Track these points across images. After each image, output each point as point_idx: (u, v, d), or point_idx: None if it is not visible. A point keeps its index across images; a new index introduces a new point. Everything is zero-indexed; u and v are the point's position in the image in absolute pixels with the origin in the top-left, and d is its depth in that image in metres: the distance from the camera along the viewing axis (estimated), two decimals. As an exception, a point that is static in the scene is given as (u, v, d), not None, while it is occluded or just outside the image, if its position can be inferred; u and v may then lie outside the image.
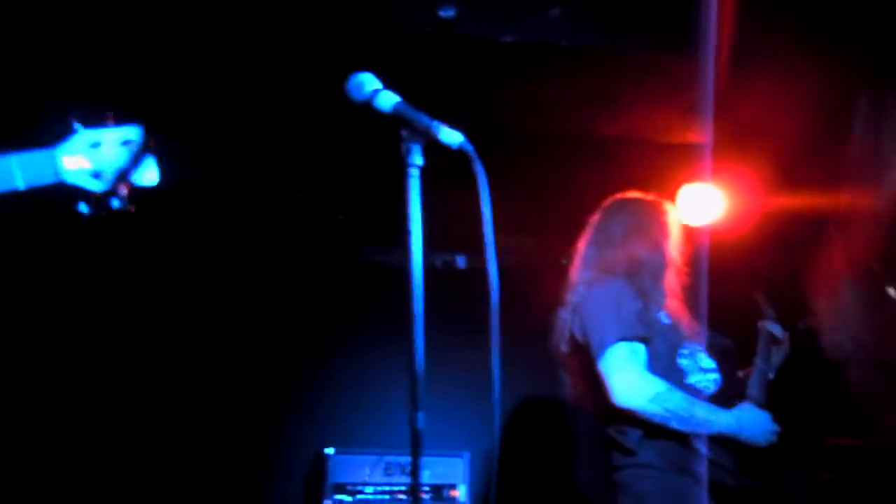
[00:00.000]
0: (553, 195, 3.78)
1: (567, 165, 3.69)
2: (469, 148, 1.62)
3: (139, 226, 3.69)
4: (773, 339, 2.78)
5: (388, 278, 4.10)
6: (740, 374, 2.74)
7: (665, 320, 2.59)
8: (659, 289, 2.61)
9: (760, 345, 2.75)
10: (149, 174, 1.65)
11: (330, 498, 3.50)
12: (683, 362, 2.55)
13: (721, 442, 2.45)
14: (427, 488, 3.67)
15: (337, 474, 3.55)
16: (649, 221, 2.70)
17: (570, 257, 3.56)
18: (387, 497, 3.61)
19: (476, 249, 3.88)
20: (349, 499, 3.54)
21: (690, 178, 3.52)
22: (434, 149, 1.64)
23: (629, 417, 2.45)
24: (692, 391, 2.51)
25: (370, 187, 3.86)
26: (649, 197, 2.78)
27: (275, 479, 3.80)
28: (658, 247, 2.66)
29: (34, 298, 3.53)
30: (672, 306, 2.62)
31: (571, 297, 2.64)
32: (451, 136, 1.63)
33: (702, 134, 3.03)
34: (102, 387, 3.59)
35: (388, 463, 3.64)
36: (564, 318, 2.64)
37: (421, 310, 1.58)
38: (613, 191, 2.85)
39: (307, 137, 3.60)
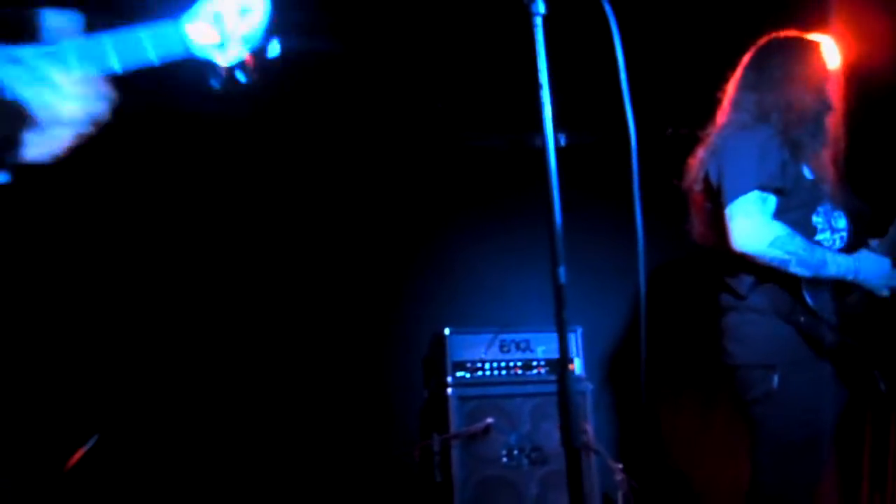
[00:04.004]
0: (657, 58, 3.59)
1: (671, 22, 3.48)
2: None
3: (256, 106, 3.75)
4: None
5: (491, 162, 4.10)
6: (872, 242, 2.63)
7: (808, 175, 2.51)
8: (815, 138, 2.50)
9: None
10: (271, 45, 1.61)
11: (451, 375, 3.63)
12: (817, 220, 2.51)
13: (826, 298, 2.43)
14: (543, 362, 3.75)
15: (455, 353, 3.66)
16: (811, 63, 2.55)
17: (675, 127, 3.45)
18: (504, 372, 3.71)
19: (574, 126, 3.79)
20: (468, 375, 3.66)
21: (811, 27, 3.26)
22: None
23: (747, 263, 2.44)
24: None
25: (466, 75, 3.79)
26: (810, 36, 2.61)
27: (394, 360, 3.94)
28: (820, 92, 2.53)
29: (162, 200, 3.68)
30: (823, 159, 2.52)
31: (714, 139, 2.56)
32: None
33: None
34: (234, 274, 3.71)
35: (502, 340, 3.73)
36: (702, 159, 2.57)
37: (555, 165, 1.55)
38: (725, 49, 2.69)
39: (408, 29, 3.53)
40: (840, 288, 2.45)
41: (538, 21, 1.55)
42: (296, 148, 3.84)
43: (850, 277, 2.45)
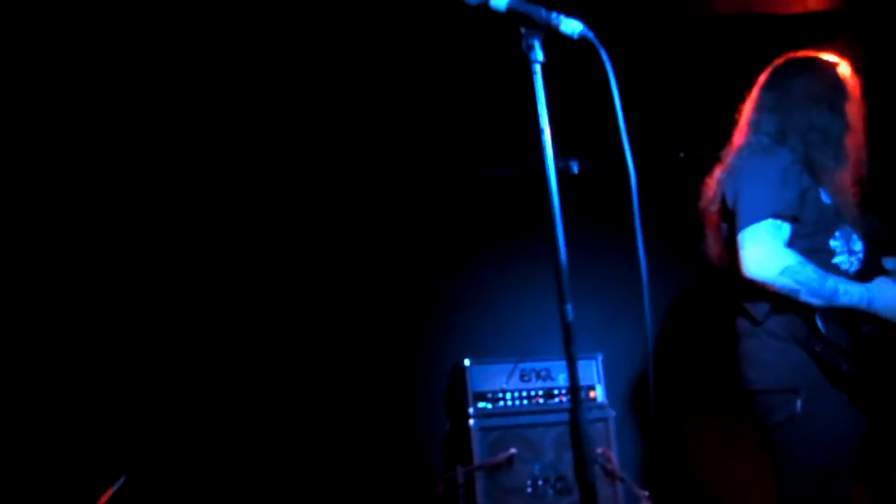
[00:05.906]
0: (670, 83, 3.61)
1: (683, 51, 3.51)
2: (591, 35, 1.60)
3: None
4: None
5: (507, 192, 4.12)
6: (885, 261, 2.62)
7: (826, 199, 2.49)
8: (836, 160, 2.48)
9: None
10: None
11: (473, 405, 3.63)
12: (834, 243, 2.49)
13: (840, 327, 2.41)
14: (564, 390, 3.73)
15: (476, 383, 3.66)
16: (830, 84, 2.54)
17: (689, 150, 3.47)
18: (525, 402, 3.70)
19: (588, 153, 3.82)
20: (490, 406, 3.66)
21: (817, 52, 3.28)
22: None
23: (760, 289, 2.43)
24: (835, 270, 2.46)
25: (477, 106, 3.83)
26: (828, 57, 2.61)
27: (417, 391, 3.95)
28: (840, 112, 2.51)
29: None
30: (842, 181, 2.49)
31: (733, 161, 2.54)
32: (571, 27, 1.61)
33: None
34: (258, 304, 3.76)
35: (523, 369, 3.73)
36: (720, 179, 2.56)
37: (558, 204, 1.62)
38: (733, 73, 2.71)
39: (415, 63, 3.59)
40: (856, 317, 2.42)
41: (537, 69, 1.59)
42: (318, 181, 3.89)
43: (863, 306, 2.41)
